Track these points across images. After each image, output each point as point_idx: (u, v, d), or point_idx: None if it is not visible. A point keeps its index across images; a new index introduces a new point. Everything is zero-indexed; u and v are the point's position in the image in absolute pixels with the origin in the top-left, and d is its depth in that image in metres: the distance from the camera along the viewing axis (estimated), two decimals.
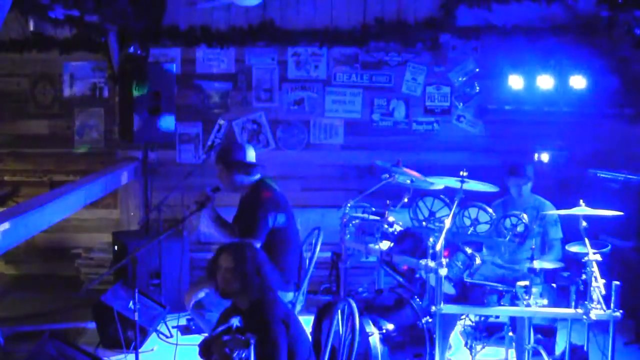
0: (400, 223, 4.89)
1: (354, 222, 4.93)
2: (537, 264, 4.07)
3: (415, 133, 7.12)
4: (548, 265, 4.42)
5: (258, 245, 4.51)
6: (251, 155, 4.83)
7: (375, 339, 4.12)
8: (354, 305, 3.61)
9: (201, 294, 4.45)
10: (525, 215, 4.39)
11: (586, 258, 3.90)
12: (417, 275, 4.51)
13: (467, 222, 4.41)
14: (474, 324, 4.74)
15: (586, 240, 3.96)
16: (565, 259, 4.73)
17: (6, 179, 7.13)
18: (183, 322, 5.65)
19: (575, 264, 4.15)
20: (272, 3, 6.80)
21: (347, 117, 7.08)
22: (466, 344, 4.73)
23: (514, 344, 4.50)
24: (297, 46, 6.98)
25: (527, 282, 4.03)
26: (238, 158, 4.77)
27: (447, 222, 4.08)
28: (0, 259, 6.86)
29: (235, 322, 3.61)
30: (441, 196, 4.61)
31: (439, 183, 4.69)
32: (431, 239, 4.08)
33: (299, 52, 7.02)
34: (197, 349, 3.69)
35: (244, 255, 3.63)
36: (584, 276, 3.91)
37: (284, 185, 5.01)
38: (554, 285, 4.64)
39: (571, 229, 4.46)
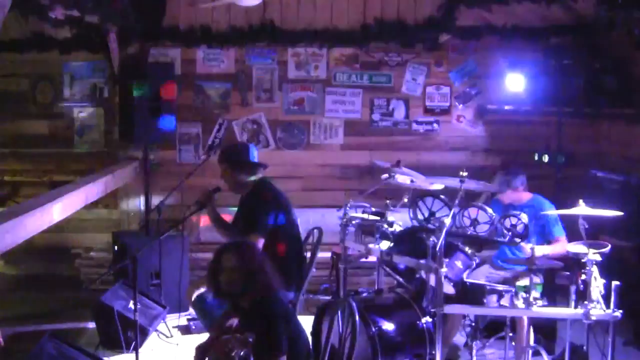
0: (400, 223, 4.89)
1: (354, 222, 4.93)
2: (538, 251, 4.07)
3: (415, 133, 7.12)
4: (548, 264, 4.42)
5: (260, 241, 4.52)
6: (254, 155, 4.83)
7: (375, 339, 4.12)
8: (354, 305, 3.61)
9: (203, 288, 4.45)
10: (524, 215, 4.39)
11: (586, 258, 3.90)
12: (417, 275, 4.51)
13: (467, 222, 4.41)
14: (474, 324, 4.74)
15: (586, 240, 3.96)
16: (565, 259, 4.73)
17: (6, 179, 7.13)
18: (183, 322, 5.65)
19: (575, 264, 4.14)
20: (272, 3, 6.80)
21: (347, 117, 7.09)
22: (466, 344, 4.73)
23: (514, 344, 4.50)
24: (297, 46, 6.98)
25: (527, 282, 4.03)
26: (242, 158, 4.77)
27: (447, 222, 4.07)
28: (0, 258, 6.86)
29: (235, 321, 3.62)
30: (441, 196, 4.61)
31: (439, 183, 4.69)
32: (431, 239, 4.08)
33: (299, 52, 7.02)
34: (194, 350, 3.69)
35: (247, 253, 3.64)
36: (583, 276, 3.91)
37: (284, 185, 5.01)
38: (553, 285, 4.64)
39: (571, 229, 4.46)
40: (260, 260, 3.66)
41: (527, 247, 4.21)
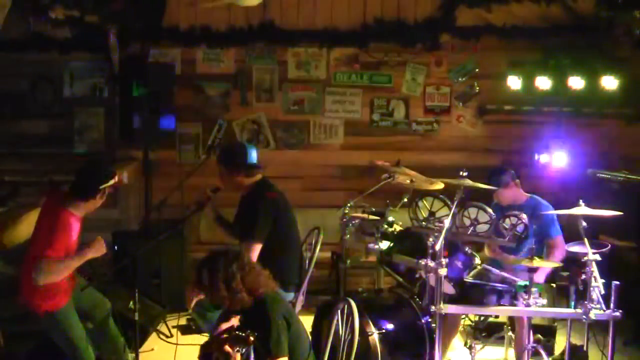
0: (400, 223, 4.90)
1: (354, 222, 4.93)
2: (536, 263, 4.07)
3: (415, 133, 7.13)
4: (548, 264, 4.42)
5: (259, 246, 4.50)
6: (253, 156, 4.81)
7: (375, 339, 4.12)
8: (354, 305, 3.61)
9: (202, 295, 4.44)
10: (524, 216, 4.39)
11: (586, 258, 3.90)
12: (417, 275, 4.51)
13: (467, 222, 4.41)
14: (474, 324, 4.74)
15: (586, 240, 3.96)
16: (565, 259, 4.74)
17: (6, 179, 7.12)
18: (183, 322, 5.65)
19: (575, 264, 4.15)
20: (272, 3, 6.80)
21: (347, 117, 7.09)
22: (466, 344, 4.73)
23: (513, 343, 4.50)
24: (297, 46, 6.98)
25: (526, 282, 4.03)
26: (238, 159, 4.76)
27: (447, 222, 4.07)
28: (0, 259, 6.84)
29: (235, 321, 3.61)
30: (441, 196, 4.62)
31: (439, 183, 4.70)
32: (431, 239, 4.08)
33: (299, 52, 7.02)
34: (198, 349, 3.69)
35: (218, 266, 3.61)
36: (583, 276, 3.91)
37: (284, 185, 5.01)
38: (553, 285, 4.65)
39: (571, 229, 4.46)
40: (234, 268, 3.62)
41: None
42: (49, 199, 4.45)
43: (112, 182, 4.34)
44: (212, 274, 3.60)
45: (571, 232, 4.43)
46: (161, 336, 5.53)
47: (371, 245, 4.82)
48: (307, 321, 4.20)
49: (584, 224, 4.02)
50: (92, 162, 4.62)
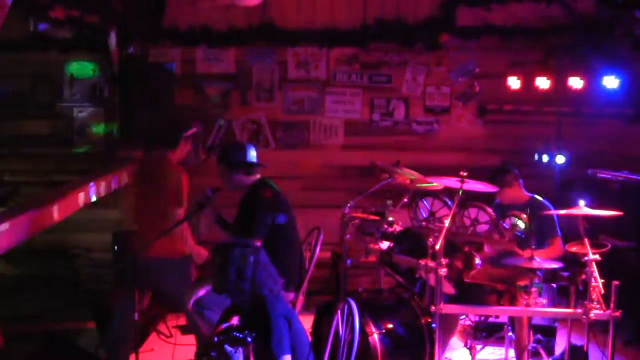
0: (400, 223, 4.90)
1: (354, 222, 4.93)
2: (537, 259, 4.06)
3: (415, 133, 7.12)
4: (548, 264, 4.42)
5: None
6: (252, 155, 4.82)
7: (375, 339, 4.12)
8: (353, 305, 3.61)
9: (201, 292, 4.45)
10: (525, 215, 4.39)
11: (586, 258, 3.90)
12: (417, 275, 4.52)
13: (467, 222, 4.41)
14: (474, 324, 4.74)
15: (586, 240, 3.96)
16: (565, 259, 4.74)
17: (6, 179, 7.12)
18: (183, 322, 5.65)
19: (575, 264, 4.15)
20: (272, 3, 6.80)
21: (347, 117, 7.09)
22: (466, 344, 4.73)
23: (513, 343, 4.50)
24: (297, 46, 6.98)
25: (527, 282, 4.03)
26: (239, 158, 4.77)
27: (447, 222, 4.07)
28: (0, 259, 6.85)
29: (234, 320, 3.62)
30: (441, 196, 4.62)
31: (439, 183, 4.69)
32: (431, 239, 4.08)
33: (299, 52, 7.02)
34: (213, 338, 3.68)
35: (230, 255, 3.63)
36: (583, 276, 3.91)
37: (284, 185, 5.01)
38: (554, 285, 4.65)
39: (571, 229, 4.47)
40: (246, 262, 3.63)
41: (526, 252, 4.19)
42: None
43: (191, 131, 5.00)
44: (227, 257, 3.61)
45: (571, 232, 4.44)
46: (161, 336, 5.53)
47: (371, 245, 4.82)
48: (307, 321, 4.20)
49: (585, 224, 4.02)
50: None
